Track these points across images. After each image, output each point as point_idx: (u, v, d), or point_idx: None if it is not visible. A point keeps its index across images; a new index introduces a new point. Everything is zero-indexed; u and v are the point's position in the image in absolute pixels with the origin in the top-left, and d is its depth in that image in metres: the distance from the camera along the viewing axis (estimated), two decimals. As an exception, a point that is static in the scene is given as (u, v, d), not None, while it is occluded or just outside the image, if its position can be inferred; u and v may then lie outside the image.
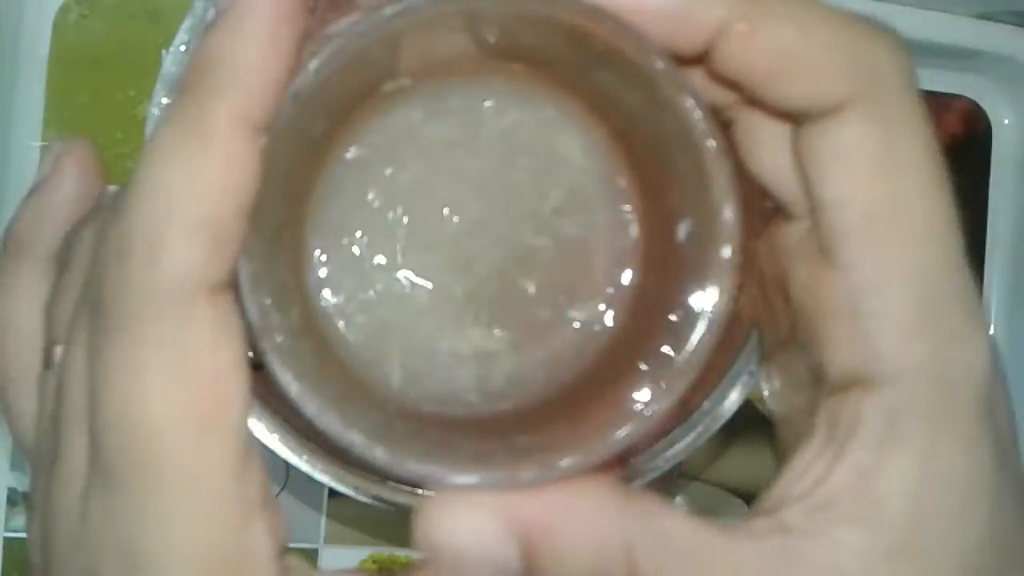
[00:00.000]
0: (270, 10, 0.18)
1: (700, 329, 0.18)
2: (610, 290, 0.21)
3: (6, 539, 0.38)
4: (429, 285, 0.21)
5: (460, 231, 0.21)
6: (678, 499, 0.41)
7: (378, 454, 0.19)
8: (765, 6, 0.17)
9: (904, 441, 0.17)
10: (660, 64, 0.18)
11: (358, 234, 0.21)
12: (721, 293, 0.18)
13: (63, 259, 0.22)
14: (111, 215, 0.18)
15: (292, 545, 0.39)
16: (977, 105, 0.42)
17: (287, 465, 0.27)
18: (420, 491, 0.28)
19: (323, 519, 0.39)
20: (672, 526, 0.18)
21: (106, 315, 0.18)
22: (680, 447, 0.28)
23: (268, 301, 0.18)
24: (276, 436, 0.27)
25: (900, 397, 0.17)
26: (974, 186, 0.42)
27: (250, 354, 0.28)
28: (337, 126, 0.20)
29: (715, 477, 0.41)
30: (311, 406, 0.18)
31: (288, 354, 0.18)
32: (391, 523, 0.39)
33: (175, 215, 0.17)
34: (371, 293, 0.21)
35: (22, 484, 0.38)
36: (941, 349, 0.17)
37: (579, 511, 0.18)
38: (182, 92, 0.18)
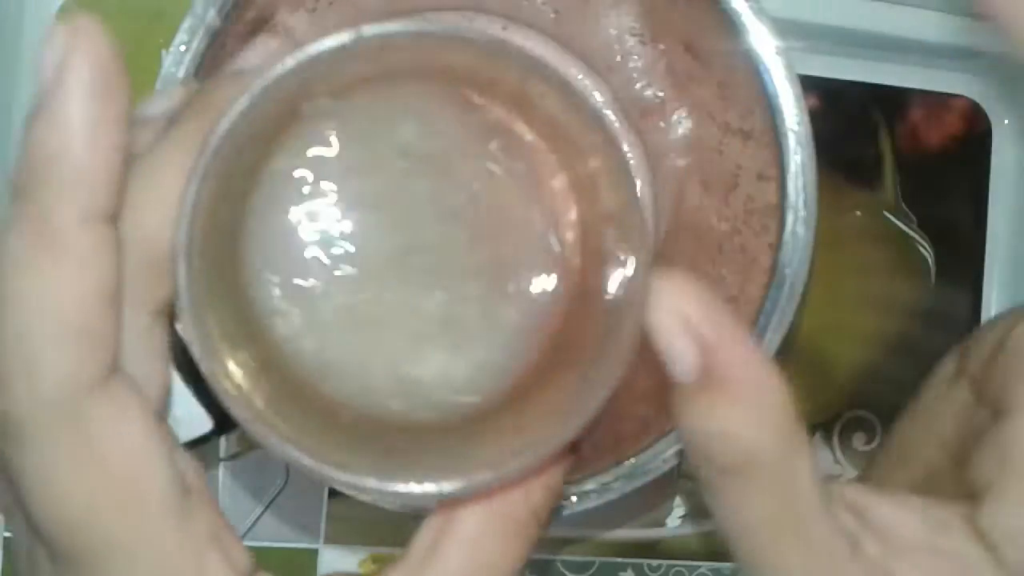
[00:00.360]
0: (89, 93, 0.17)
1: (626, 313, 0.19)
2: (541, 288, 0.21)
3: (6, 539, 0.38)
4: (375, 299, 0.21)
5: (391, 244, 0.21)
6: (678, 499, 0.41)
7: (370, 483, 0.20)
8: None
9: None
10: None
11: (297, 255, 0.21)
12: (638, 267, 0.19)
13: None
14: None
15: (292, 545, 0.40)
16: (977, 105, 0.42)
17: (287, 465, 0.27)
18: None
19: (323, 519, 0.39)
20: (803, 473, 0.20)
21: (11, 433, 0.18)
22: (680, 447, 0.28)
23: (213, 334, 0.19)
24: (276, 436, 0.27)
25: None
26: (974, 186, 0.42)
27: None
28: (259, 152, 0.20)
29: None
30: (275, 446, 0.19)
31: (239, 400, 0.19)
32: (391, 523, 0.39)
33: (39, 331, 0.17)
34: (322, 311, 0.21)
35: (22, 484, 0.38)
36: None
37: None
38: (19, 195, 0.18)
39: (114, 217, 0.18)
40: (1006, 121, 0.42)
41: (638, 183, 0.19)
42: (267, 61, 0.19)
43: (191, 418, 0.27)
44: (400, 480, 0.20)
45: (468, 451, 0.20)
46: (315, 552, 0.39)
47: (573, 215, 0.21)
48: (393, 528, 0.39)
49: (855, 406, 0.41)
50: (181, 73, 0.26)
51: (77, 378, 0.18)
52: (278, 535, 0.39)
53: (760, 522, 0.20)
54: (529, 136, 0.21)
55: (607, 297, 0.20)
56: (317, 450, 0.20)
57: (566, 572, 0.40)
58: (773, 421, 0.19)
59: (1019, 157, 0.42)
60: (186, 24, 0.26)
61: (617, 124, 0.19)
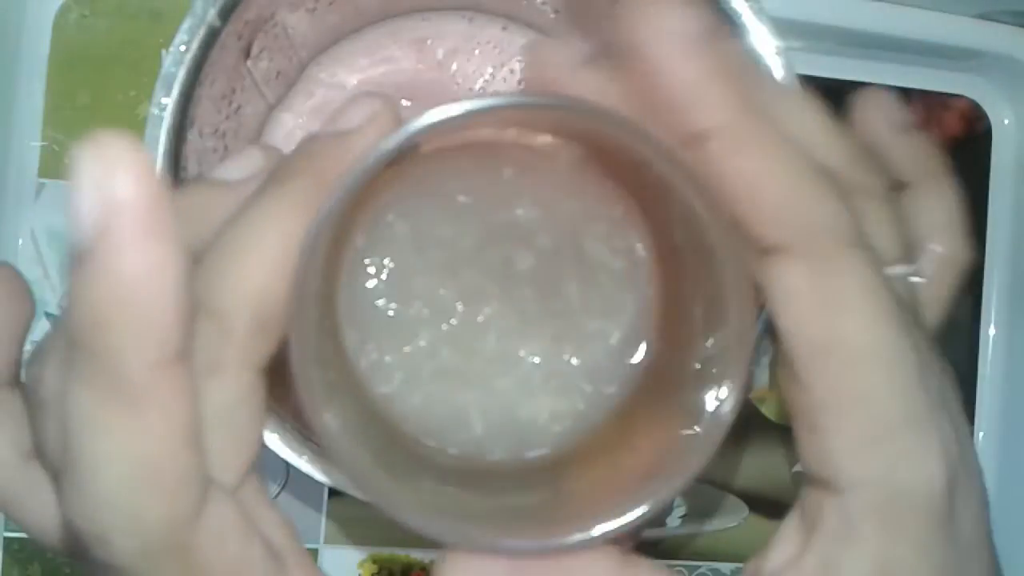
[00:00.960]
0: (143, 237, 0.15)
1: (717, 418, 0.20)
2: (627, 362, 0.22)
3: (6, 539, 0.38)
4: (472, 354, 0.22)
5: (483, 304, 0.22)
6: (678, 499, 0.41)
7: (438, 528, 0.21)
8: (746, 135, 0.19)
9: (860, 542, 0.19)
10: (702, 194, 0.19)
11: (393, 305, 0.22)
12: (732, 392, 0.20)
13: (31, 401, 0.21)
14: (64, 491, 0.18)
15: (292, 545, 0.39)
16: (977, 105, 0.42)
17: (287, 465, 0.27)
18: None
19: (323, 519, 0.39)
20: None
21: None
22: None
23: (318, 388, 0.19)
24: (276, 436, 0.27)
25: (855, 503, 0.19)
26: (974, 186, 0.42)
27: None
28: (355, 206, 0.21)
29: (715, 477, 0.41)
30: (372, 492, 0.21)
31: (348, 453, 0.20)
32: (391, 523, 0.39)
33: (132, 485, 0.17)
34: (421, 363, 0.22)
35: (22, 484, 0.38)
36: (891, 466, 0.18)
37: None
38: (78, 350, 0.16)
39: (187, 351, 0.17)
40: (1006, 121, 0.42)
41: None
42: (374, 129, 0.20)
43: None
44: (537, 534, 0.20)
45: (569, 502, 0.21)
46: (315, 552, 0.39)
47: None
48: (393, 528, 0.39)
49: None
50: (181, 73, 0.26)
51: (176, 518, 0.17)
52: (278, 535, 0.39)
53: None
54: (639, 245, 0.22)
55: (697, 413, 0.20)
56: (430, 505, 0.21)
57: (566, 572, 0.40)
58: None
59: (1019, 157, 0.42)
60: (186, 24, 0.26)
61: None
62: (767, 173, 0.18)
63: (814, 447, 0.19)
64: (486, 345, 0.22)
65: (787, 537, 0.20)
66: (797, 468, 0.39)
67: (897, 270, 0.20)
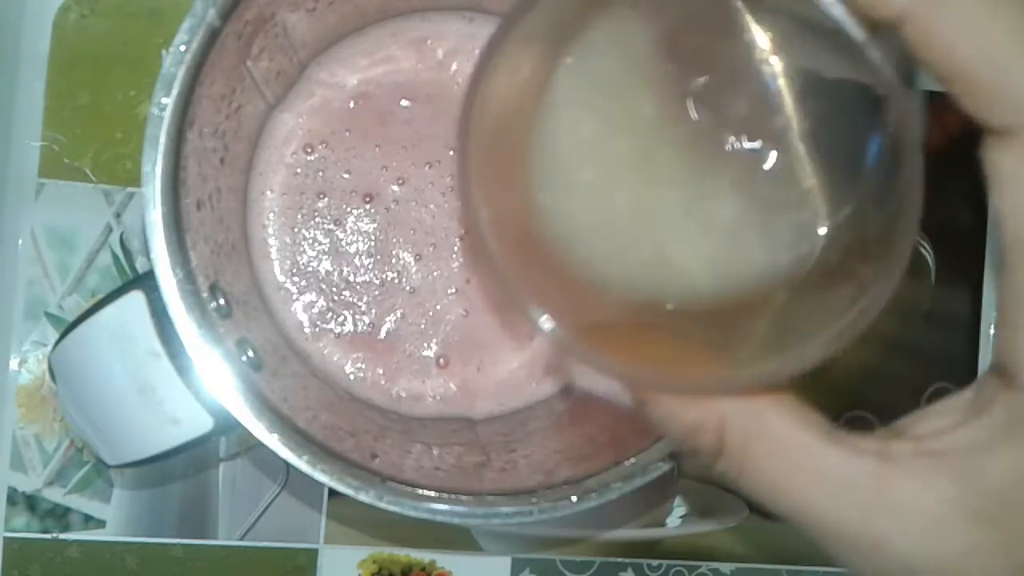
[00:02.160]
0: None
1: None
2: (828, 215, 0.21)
3: (6, 539, 0.38)
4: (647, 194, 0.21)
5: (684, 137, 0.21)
6: (678, 499, 0.41)
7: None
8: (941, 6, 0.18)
9: (1018, 443, 0.18)
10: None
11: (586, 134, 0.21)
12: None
13: None
14: None
15: (292, 545, 0.40)
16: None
17: (287, 465, 0.27)
18: (420, 491, 0.28)
19: (323, 519, 0.39)
20: (772, 414, 0.20)
21: None
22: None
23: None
24: (276, 436, 0.27)
25: None
26: (974, 186, 0.42)
27: (251, 354, 0.28)
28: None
29: (715, 477, 0.41)
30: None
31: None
32: (391, 523, 0.39)
33: None
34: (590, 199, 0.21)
35: (22, 484, 0.38)
36: None
37: None
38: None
39: None
40: (1006, 121, 0.42)
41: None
42: None
43: (191, 418, 0.27)
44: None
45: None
46: (315, 552, 0.39)
47: None
48: (393, 528, 0.39)
49: (855, 406, 0.41)
50: (181, 73, 0.26)
51: None
52: (278, 535, 0.39)
53: (771, 483, 0.21)
54: None
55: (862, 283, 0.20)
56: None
57: (566, 572, 0.40)
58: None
59: (1019, 157, 0.42)
60: (186, 24, 0.26)
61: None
62: (976, 46, 0.17)
63: (1004, 338, 0.18)
64: (674, 186, 0.21)
65: (950, 410, 0.20)
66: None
67: None
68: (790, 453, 0.20)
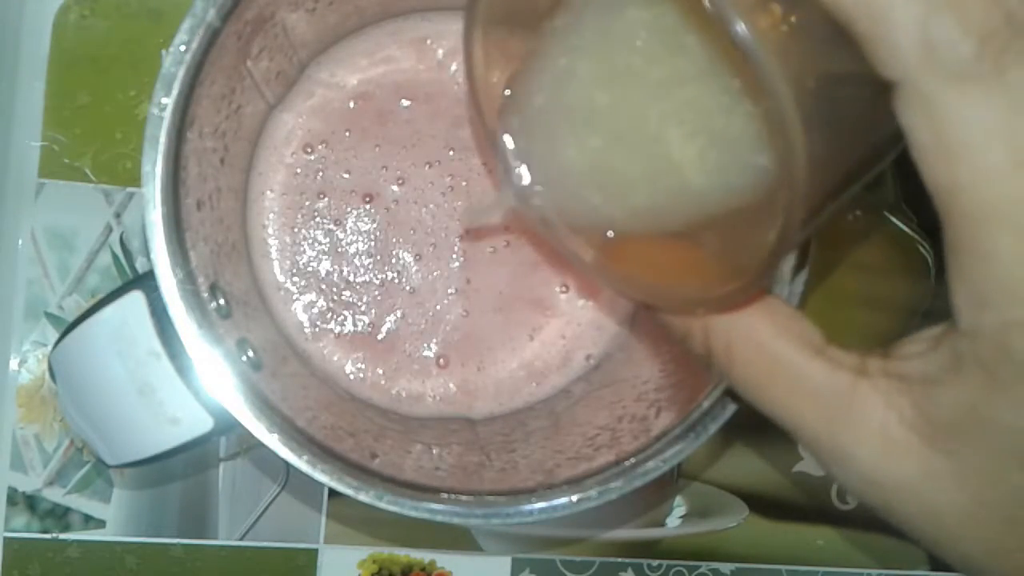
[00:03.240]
0: None
1: None
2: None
3: (6, 539, 0.38)
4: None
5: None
6: (678, 499, 0.41)
7: None
8: None
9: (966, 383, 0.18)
10: None
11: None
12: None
13: None
14: None
15: (292, 545, 0.40)
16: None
17: (287, 465, 0.27)
18: (420, 491, 0.28)
19: (323, 519, 0.39)
20: (757, 323, 0.21)
21: None
22: (680, 447, 0.28)
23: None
24: (276, 436, 0.27)
25: (967, 346, 0.18)
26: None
27: (251, 354, 0.28)
28: None
29: (715, 477, 0.41)
30: None
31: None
32: (391, 523, 0.39)
33: None
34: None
35: (22, 484, 0.38)
36: (1005, 326, 0.17)
37: None
38: None
39: None
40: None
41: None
42: None
43: (191, 418, 0.27)
44: None
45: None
46: (315, 552, 0.39)
47: None
48: (393, 528, 0.39)
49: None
50: (181, 73, 0.26)
51: None
52: (278, 535, 0.39)
53: (755, 387, 0.22)
54: None
55: None
56: None
57: (566, 572, 0.40)
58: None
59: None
60: (186, 24, 0.26)
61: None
62: None
63: (949, 286, 0.18)
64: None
65: (924, 339, 0.20)
66: (797, 468, 0.39)
67: None
68: (771, 361, 0.21)
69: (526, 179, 0.24)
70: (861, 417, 0.19)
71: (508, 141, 0.24)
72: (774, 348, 0.21)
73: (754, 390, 0.22)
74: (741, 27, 0.17)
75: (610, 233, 0.23)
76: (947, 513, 0.19)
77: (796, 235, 0.19)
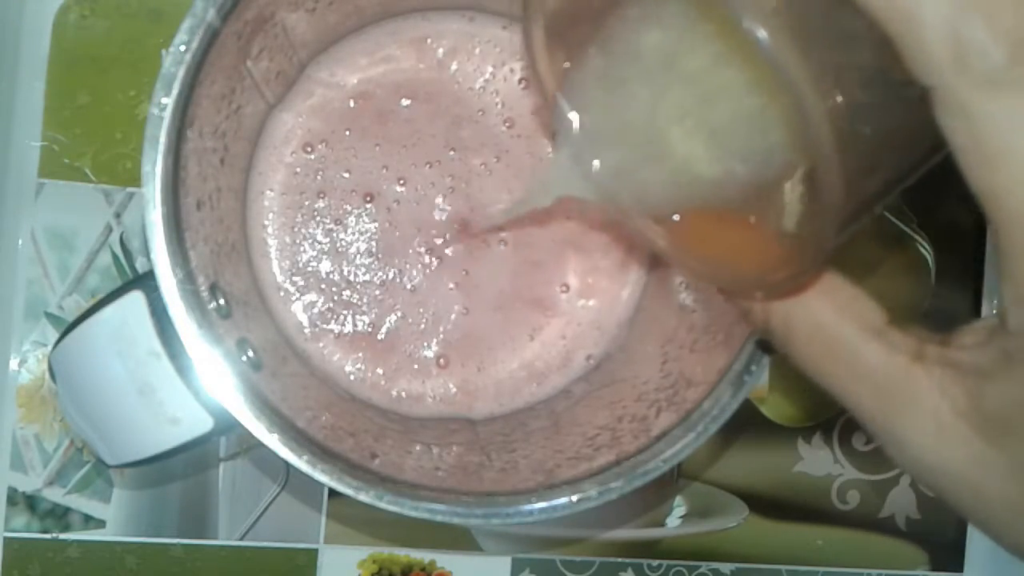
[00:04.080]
0: None
1: None
2: None
3: (6, 539, 0.38)
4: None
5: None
6: (678, 499, 0.41)
7: None
8: None
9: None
10: None
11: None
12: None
13: None
14: None
15: (292, 545, 0.40)
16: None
17: (287, 465, 0.27)
18: (420, 491, 0.28)
19: (323, 519, 0.39)
20: (815, 303, 0.22)
21: None
22: (680, 447, 0.28)
23: None
24: (276, 436, 0.27)
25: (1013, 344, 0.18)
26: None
27: (251, 354, 0.28)
28: None
29: (715, 477, 0.41)
30: None
31: None
32: (391, 523, 0.39)
33: None
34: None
35: (22, 484, 0.38)
36: None
37: None
38: None
39: None
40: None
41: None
42: None
43: (191, 418, 0.27)
44: None
45: None
46: (315, 552, 0.39)
47: None
48: (393, 528, 0.39)
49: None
50: (181, 73, 0.26)
51: None
52: (278, 535, 0.39)
53: (813, 364, 0.22)
54: None
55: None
56: None
57: (566, 572, 0.40)
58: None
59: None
60: (186, 24, 0.26)
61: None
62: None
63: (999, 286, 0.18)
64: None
65: (981, 329, 0.20)
66: (797, 468, 0.39)
67: None
68: (829, 341, 0.21)
69: (596, 159, 0.24)
70: (915, 402, 0.20)
71: (574, 119, 0.25)
72: (833, 328, 0.21)
73: (812, 368, 0.22)
74: (760, 32, 0.17)
75: (676, 216, 0.24)
76: (998, 502, 0.19)
77: (833, 226, 0.19)
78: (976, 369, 0.19)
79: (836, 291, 0.22)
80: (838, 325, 0.21)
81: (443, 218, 0.35)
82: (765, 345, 0.27)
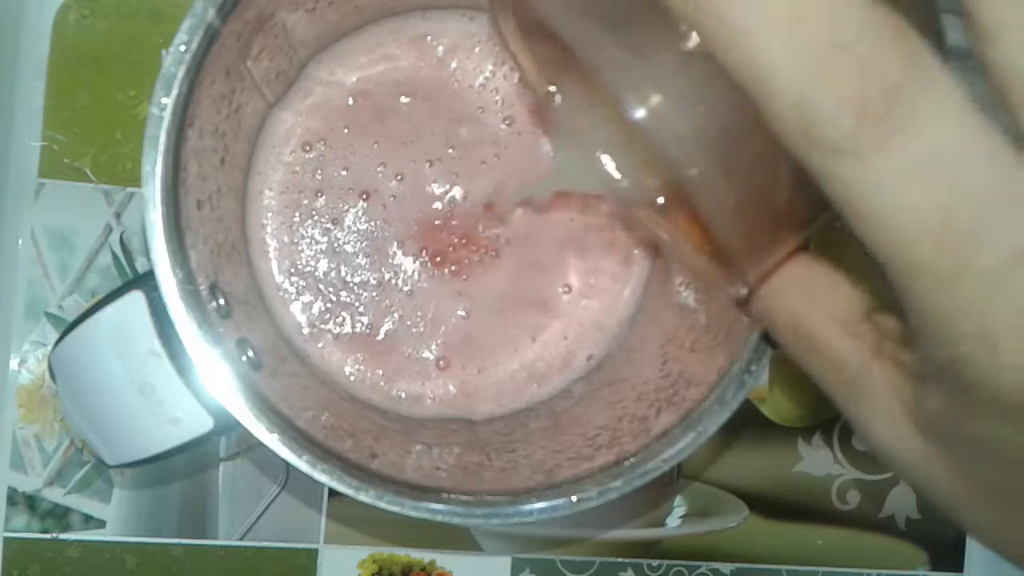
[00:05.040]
0: None
1: None
2: None
3: (6, 539, 0.38)
4: None
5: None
6: (678, 499, 0.41)
7: None
8: None
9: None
10: None
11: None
12: None
13: None
14: None
15: (292, 545, 0.40)
16: (977, 105, 0.42)
17: (287, 465, 0.27)
18: (420, 491, 0.28)
19: (323, 519, 0.39)
20: (790, 289, 0.22)
21: None
22: (680, 447, 0.28)
23: None
24: (276, 436, 0.27)
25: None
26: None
27: (251, 354, 0.28)
28: None
29: (715, 477, 0.41)
30: None
31: None
32: (391, 523, 0.39)
33: None
34: None
35: (22, 484, 0.38)
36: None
37: None
38: None
39: None
40: (1006, 121, 0.42)
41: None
42: None
43: (191, 418, 0.27)
44: None
45: None
46: (315, 552, 0.39)
47: None
48: (393, 528, 0.39)
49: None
50: (181, 73, 0.26)
51: None
52: (278, 535, 0.39)
53: (791, 346, 0.22)
54: None
55: None
56: None
57: (566, 572, 0.40)
58: None
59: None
60: (186, 24, 0.26)
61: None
62: None
63: None
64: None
65: None
66: (797, 468, 0.39)
67: None
68: (801, 328, 0.22)
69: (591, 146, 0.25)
70: (873, 395, 0.20)
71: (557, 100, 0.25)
72: (805, 318, 0.22)
73: (792, 355, 0.22)
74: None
75: (660, 200, 0.24)
76: (949, 494, 0.20)
77: (738, 234, 0.20)
78: (916, 372, 0.19)
79: (813, 280, 0.22)
80: (809, 315, 0.22)
81: (442, 218, 0.35)
82: (769, 338, 0.27)
